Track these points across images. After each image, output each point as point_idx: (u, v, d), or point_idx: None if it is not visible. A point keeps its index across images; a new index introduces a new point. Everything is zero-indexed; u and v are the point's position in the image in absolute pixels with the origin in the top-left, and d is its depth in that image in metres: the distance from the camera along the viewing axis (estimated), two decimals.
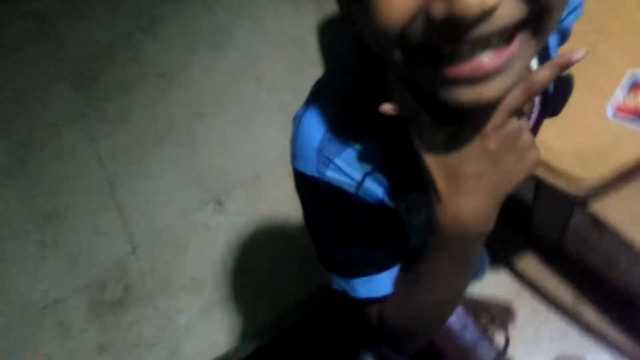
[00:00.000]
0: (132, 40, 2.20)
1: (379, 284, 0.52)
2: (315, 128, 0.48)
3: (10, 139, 2.06)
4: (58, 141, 2.01)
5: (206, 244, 1.71)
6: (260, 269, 1.65)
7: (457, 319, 0.99)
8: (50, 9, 2.40)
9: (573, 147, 0.87)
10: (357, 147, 0.47)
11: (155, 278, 1.70)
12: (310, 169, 0.49)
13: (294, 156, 0.51)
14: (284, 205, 1.70)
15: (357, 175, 0.48)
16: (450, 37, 0.29)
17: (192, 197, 1.79)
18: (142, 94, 2.04)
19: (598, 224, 0.93)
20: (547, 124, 0.58)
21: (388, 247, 0.52)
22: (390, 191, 0.49)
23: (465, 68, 0.31)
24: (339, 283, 0.55)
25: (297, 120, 0.51)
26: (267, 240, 1.69)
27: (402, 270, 0.53)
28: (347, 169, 0.47)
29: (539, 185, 1.05)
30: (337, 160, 0.47)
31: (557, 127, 0.73)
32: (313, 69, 1.91)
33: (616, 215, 0.93)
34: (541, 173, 0.87)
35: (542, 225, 1.22)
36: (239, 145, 1.84)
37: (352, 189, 0.48)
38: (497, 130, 0.38)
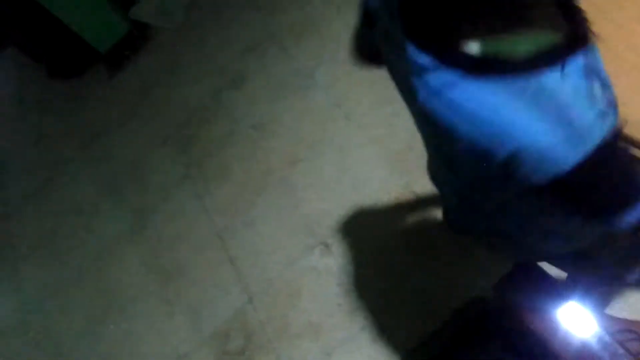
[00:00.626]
0: (221, 97, 2.32)
1: None
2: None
3: (127, 206, 2.25)
4: (168, 202, 2.16)
5: (318, 288, 1.72)
6: (375, 309, 1.62)
7: (604, 348, 0.90)
8: (148, 82, 2.63)
9: None
10: None
11: (273, 326, 1.73)
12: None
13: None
14: (391, 239, 1.67)
15: None
16: None
17: (299, 242, 1.81)
18: (238, 147, 2.14)
19: None
20: None
21: None
22: None
23: None
24: None
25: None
26: (379, 277, 1.66)
27: None
28: None
29: None
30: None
31: None
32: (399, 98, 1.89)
33: None
34: None
35: None
36: (337, 185, 1.85)
37: None
38: None
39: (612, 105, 0.54)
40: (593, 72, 0.53)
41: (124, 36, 2.79)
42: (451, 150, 0.57)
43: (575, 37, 0.52)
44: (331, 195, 1.84)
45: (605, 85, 0.54)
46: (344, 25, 2.14)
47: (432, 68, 0.52)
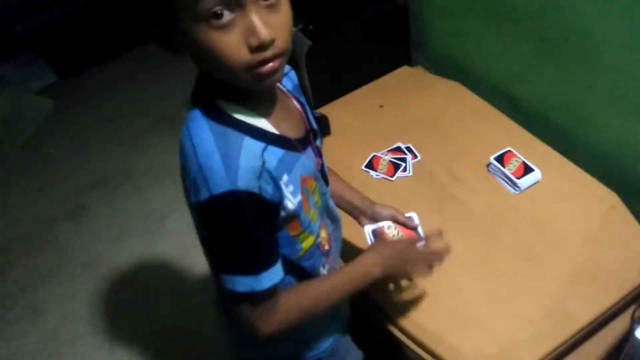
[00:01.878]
0: (55, 227, 2.12)
1: (277, 272, 0.68)
2: (210, 150, 0.61)
3: None
4: None
5: None
6: None
7: None
8: None
9: None
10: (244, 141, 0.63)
11: None
12: (225, 184, 0.60)
13: (207, 182, 0.60)
14: None
15: (258, 157, 0.63)
16: (260, 51, 0.57)
17: None
18: (60, 286, 1.90)
19: None
20: None
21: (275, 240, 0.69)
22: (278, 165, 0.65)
23: (267, 68, 0.59)
24: (245, 283, 0.65)
25: (194, 153, 0.62)
26: None
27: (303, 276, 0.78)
28: (248, 161, 0.62)
29: None
30: (241, 161, 0.61)
31: None
32: None
33: None
34: None
35: None
36: None
37: (259, 170, 0.62)
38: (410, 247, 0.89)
39: (277, 195, 0.66)
40: (286, 168, 0.67)
41: None
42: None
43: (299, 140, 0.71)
44: None
45: (295, 189, 0.69)
46: None
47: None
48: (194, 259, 1.87)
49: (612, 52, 1.15)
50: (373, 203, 1.00)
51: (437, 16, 1.68)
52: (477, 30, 1.53)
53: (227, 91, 0.64)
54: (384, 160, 1.41)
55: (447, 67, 1.70)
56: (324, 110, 1.61)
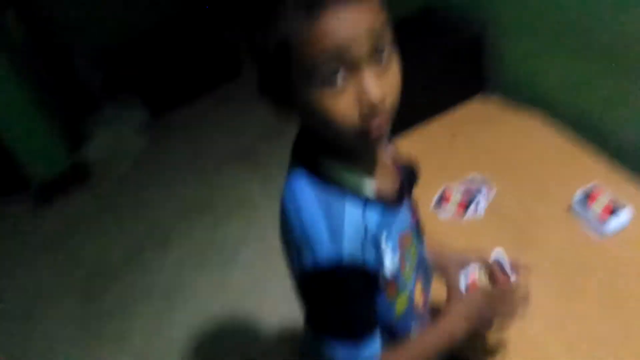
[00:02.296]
0: (143, 256, 2.26)
1: (377, 341, 0.67)
2: (314, 214, 0.61)
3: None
4: None
5: None
6: None
7: None
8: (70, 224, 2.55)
9: None
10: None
11: None
12: (330, 251, 0.59)
13: (311, 248, 0.59)
14: None
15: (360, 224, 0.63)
16: (372, 113, 0.56)
17: None
18: (144, 313, 2.02)
19: None
20: None
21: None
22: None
23: (376, 130, 0.58)
24: (347, 353, 0.64)
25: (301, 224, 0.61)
26: None
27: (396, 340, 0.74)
28: (352, 227, 0.61)
29: None
30: (345, 227, 0.60)
31: None
32: None
33: None
34: None
35: None
36: None
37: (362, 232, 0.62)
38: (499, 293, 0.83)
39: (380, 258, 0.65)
40: (386, 226, 0.66)
41: (63, 172, 2.73)
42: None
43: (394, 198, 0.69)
44: None
45: (394, 247, 0.67)
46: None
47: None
48: (265, 292, 1.90)
49: None
50: (454, 250, 0.95)
51: (517, 44, 1.59)
52: (562, 58, 1.43)
53: (332, 148, 0.63)
54: (456, 195, 1.35)
55: (526, 97, 1.60)
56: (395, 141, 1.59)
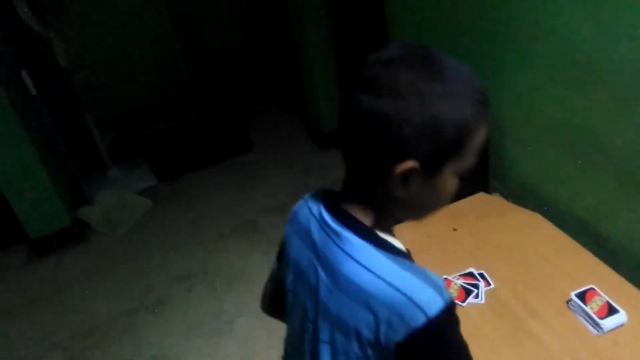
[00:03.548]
0: (134, 319, 2.24)
1: None
2: (406, 276, 0.62)
3: None
4: None
5: None
6: None
7: None
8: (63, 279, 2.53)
9: None
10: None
11: None
12: (439, 301, 0.60)
13: (418, 306, 0.59)
14: None
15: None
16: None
17: None
18: None
19: None
20: None
21: None
22: None
23: None
24: None
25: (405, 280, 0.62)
26: None
27: None
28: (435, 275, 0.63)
29: None
30: (433, 275, 0.63)
31: None
32: None
33: None
34: None
35: None
36: None
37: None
38: None
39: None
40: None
41: (61, 229, 2.74)
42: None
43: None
44: None
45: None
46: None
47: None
48: None
49: None
50: None
51: (518, 146, 1.73)
52: (560, 162, 1.55)
53: (389, 222, 0.71)
54: (455, 284, 1.41)
55: (526, 197, 1.72)
56: (395, 230, 1.67)
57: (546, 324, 1.25)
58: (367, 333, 0.62)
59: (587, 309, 1.23)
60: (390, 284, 0.60)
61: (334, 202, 0.70)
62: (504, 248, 1.52)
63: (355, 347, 0.64)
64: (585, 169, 1.47)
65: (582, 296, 1.26)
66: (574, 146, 1.47)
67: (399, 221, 0.71)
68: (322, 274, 0.68)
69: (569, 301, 1.29)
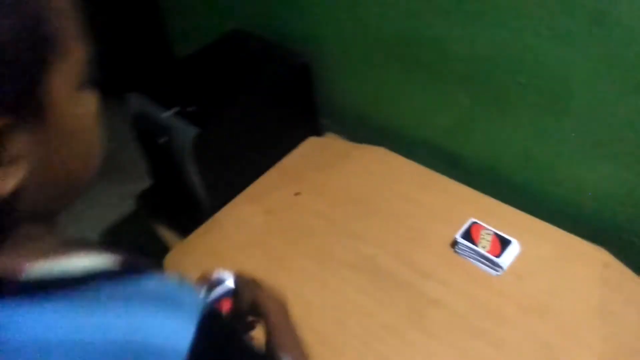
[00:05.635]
0: None
1: None
2: None
3: None
4: None
5: None
6: None
7: None
8: None
9: None
10: None
11: None
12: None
13: None
14: None
15: None
16: None
17: None
18: None
19: None
20: None
21: None
22: None
23: None
24: None
25: None
26: None
27: None
28: None
29: None
30: None
31: None
32: None
33: None
34: None
35: None
36: None
37: None
38: None
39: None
40: None
41: None
42: None
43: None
44: None
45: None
46: None
47: None
48: None
49: (579, 92, 0.98)
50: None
51: (348, 72, 1.41)
52: (401, 81, 1.29)
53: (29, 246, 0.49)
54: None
55: (365, 131, 1.46)
56: (226, 210, 1.27)
57: (440, 282, 1.03)
58: None
59: (479, 249, 1.04)
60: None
61: None
62: (360, 200, 1.25)
63: None
64: (430, 86, 1.23)
65: (467, 235, 1.07)
66: (418, 60, 1.21)
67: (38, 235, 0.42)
68: None
69: (454, 244, 1.08)
